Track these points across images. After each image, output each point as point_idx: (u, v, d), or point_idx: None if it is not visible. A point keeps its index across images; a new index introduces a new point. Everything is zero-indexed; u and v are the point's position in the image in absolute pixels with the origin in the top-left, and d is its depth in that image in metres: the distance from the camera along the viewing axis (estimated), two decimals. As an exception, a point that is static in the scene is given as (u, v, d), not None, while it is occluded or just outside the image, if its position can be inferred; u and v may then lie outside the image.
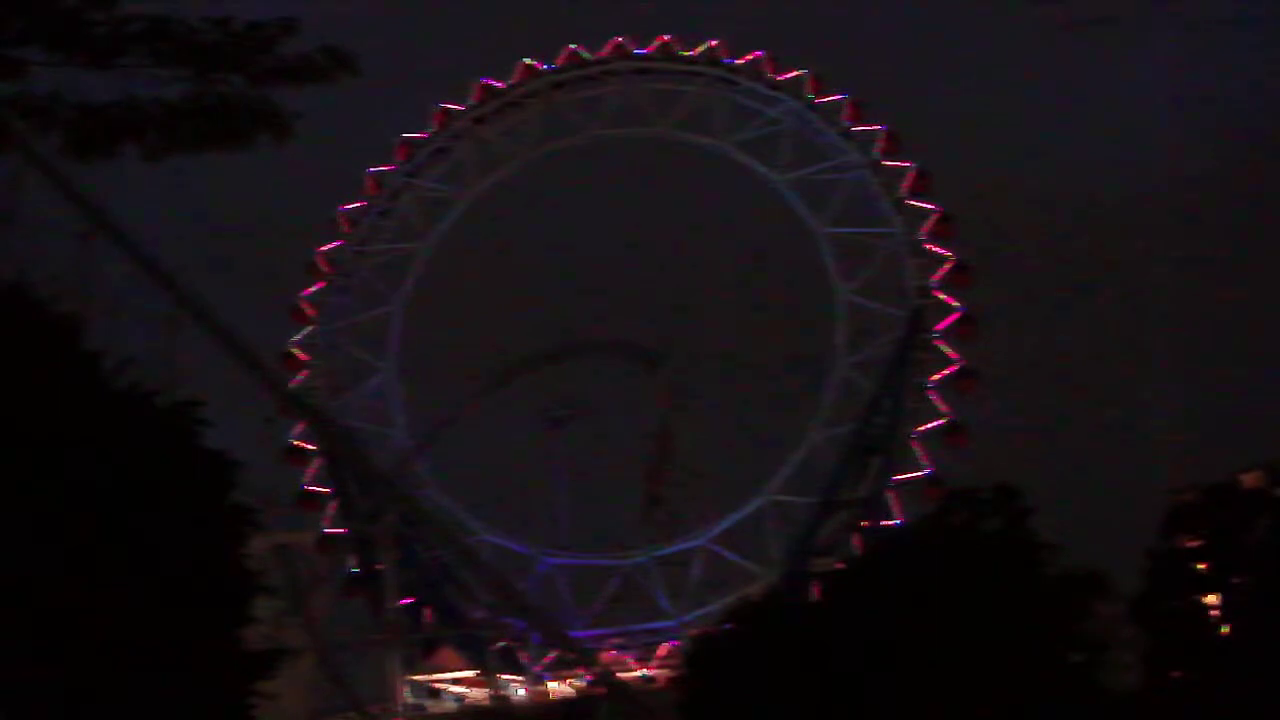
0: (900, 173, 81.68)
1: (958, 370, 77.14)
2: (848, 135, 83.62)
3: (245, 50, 20.54)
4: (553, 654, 78.04)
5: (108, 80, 20.47)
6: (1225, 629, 35.98)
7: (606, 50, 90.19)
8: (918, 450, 75.90)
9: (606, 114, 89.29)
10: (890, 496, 75.59)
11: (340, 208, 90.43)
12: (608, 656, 77.08)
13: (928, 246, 79.42)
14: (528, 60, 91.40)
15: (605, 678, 72.61)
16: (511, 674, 78.62)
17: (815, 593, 43.05)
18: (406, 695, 77.64)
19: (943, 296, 78.22)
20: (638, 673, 76.50)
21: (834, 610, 36.92)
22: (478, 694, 78.79)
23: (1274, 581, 35.49)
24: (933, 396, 76.91)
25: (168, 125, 20.55)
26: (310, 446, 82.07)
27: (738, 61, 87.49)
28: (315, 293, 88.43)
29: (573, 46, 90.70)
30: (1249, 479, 38.26)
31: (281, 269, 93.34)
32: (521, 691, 77.97)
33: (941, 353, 77.44)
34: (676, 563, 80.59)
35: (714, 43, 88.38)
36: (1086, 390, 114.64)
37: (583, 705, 72.50)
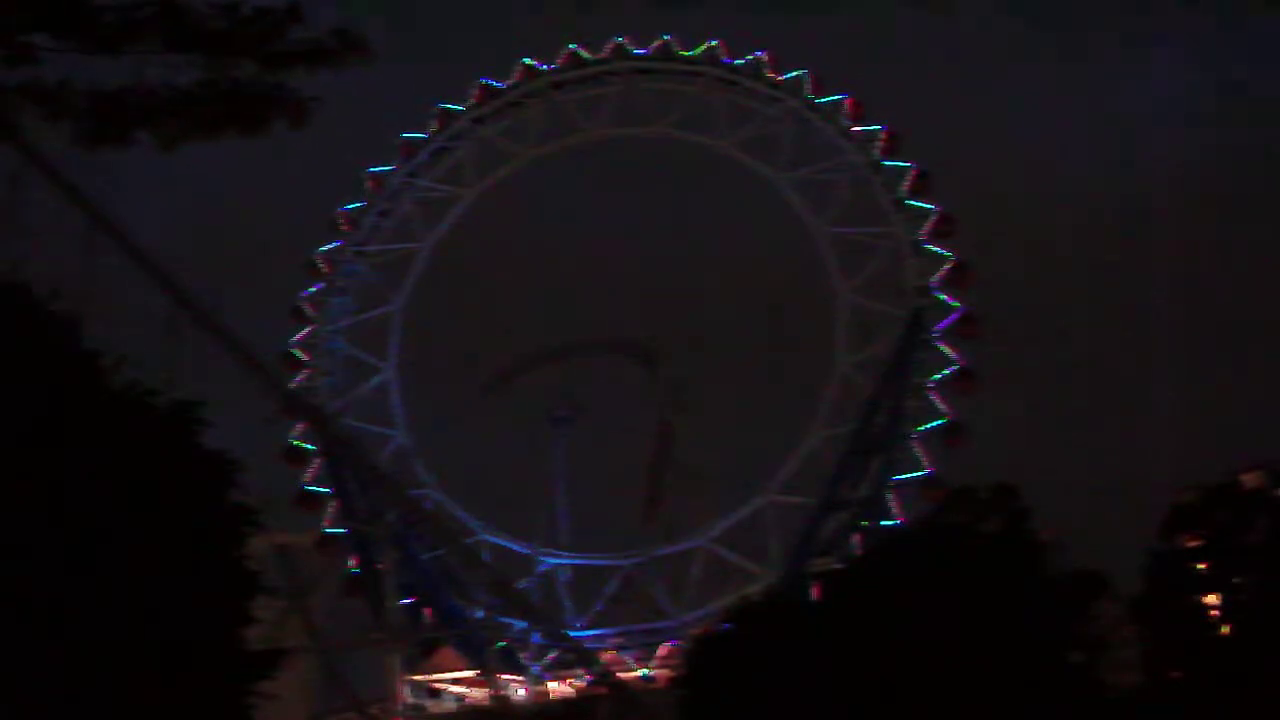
0: (900, 173, 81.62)
1: (958, 370, 77.02)
2: (848, 135, 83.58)
3: (254, 35, 20.47)
4: (553, 654, 78.04)
5: (118, 66, 20.39)
6: (1225, 629, 35.95)
7: (607, 50, 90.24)
8: (918, 450, 75.81)
9: (606, 114, 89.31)
10: (890, 496, 75.50)
11: (340, 208, 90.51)
12: (608, 656, 77.06)
13: (928, 246, 79.38)
14: (528, 60, 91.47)
15: (605, 678, 72.57)
16: (511, 674, 78.59)
17: (815, 593, 43.01)
18: (406, 695, 77.63)
19: (943, 296, 78.13)
20: (638, 673, 76.47)
21: (834, 610, 36.90)
22: (478, 694, 78.77)
23: (1274, 581, 35.48)
24: (933, 396, 76.81)
25: (181, 111, 20.47)
26: (310, 446, 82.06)
27: (738, 61, 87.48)
28: (315, 293, 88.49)
29: (573, 46, 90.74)
30: (1249, 479, 38.22)
31: (281, 269, 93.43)
32: (521, 691, 77.94)
33: (941, 353, 77.34)
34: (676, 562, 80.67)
35: (714, 43, 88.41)
36: (1086, 390, 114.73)
37: (583, 705, 72.47)
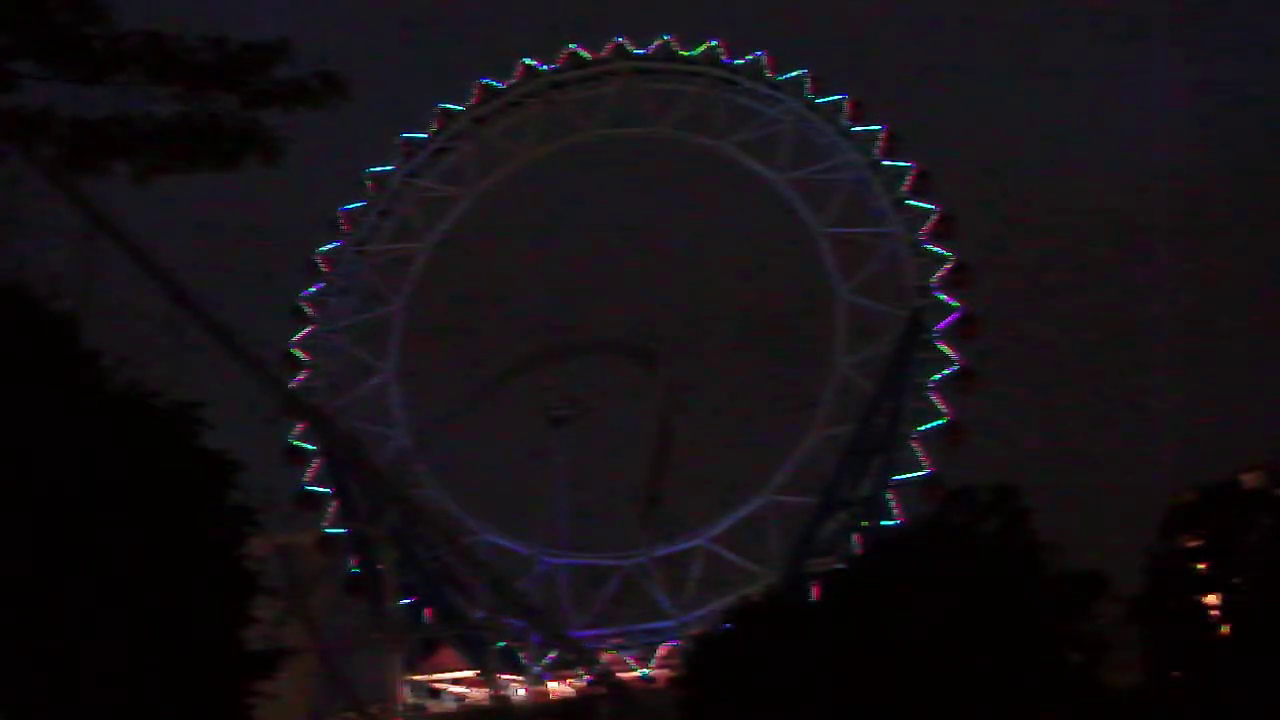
0: (900, 173, 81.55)
1: (958, 370, 76.92)
2: (848, 135, 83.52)
3: (239, 71, 20.50)
4: (553, 654, 78.01)
5: (101, 96, 20.41)
6: (1225, 629, 35.95)
7: (607, 50, 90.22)
8: (918, 450, 75.72)
9: (606, 114, 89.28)
10: (890, 496, 75.43)
11: (340, 208, 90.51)
12: (608, 656, 77.03)
13: (928, 246, 79.30)
14: (528, 60, 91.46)
15: (605, 678, 72.53)
16: (511, 674, 78.57)
17: (815, 593, 43.02)
18: (406, 695, 77.62)
19: (943, 296, 78.04)
20: (638, 673, 76.46)
21: (834, 610, 36.92)
22: (478, 694, 78.77)
23: (1274, 581, 35.47)
24: (933, 396, 76.72)
25: (158, 143, 20.50)
26: (310, 446, 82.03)
27: (737, 61, 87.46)
28: (315, 293, 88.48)
29: (573, 46, 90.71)
30: (1249, 479, 38.24)
31: (281, 269, 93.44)
32: (521, 691, 77.94)
33: (941, 353, 77.24)
34: (676, 562, 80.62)
35: (714, 43, 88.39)
36: (1087, 390, 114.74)
37: (583, 705, 72.45)
